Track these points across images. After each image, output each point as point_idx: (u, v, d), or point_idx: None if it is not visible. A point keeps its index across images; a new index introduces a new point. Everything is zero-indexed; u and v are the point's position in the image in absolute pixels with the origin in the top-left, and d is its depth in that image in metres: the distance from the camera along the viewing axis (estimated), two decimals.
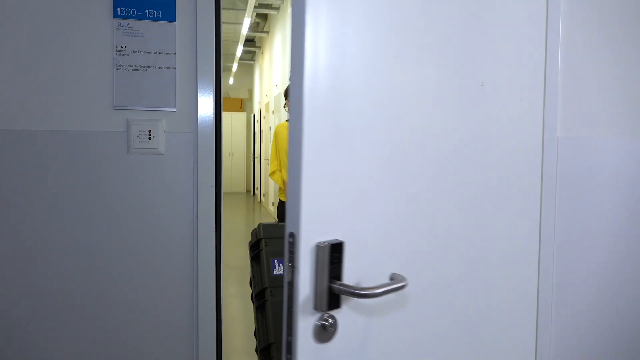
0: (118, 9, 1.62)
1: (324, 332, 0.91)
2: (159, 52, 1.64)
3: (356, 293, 0.88)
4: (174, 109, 1.66)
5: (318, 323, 0.89)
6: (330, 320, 0.90)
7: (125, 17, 1.62)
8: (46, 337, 1.62)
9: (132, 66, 1.63)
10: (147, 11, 1.63)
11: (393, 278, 0.97)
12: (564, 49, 1.42)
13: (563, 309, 1.47)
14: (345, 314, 0.93)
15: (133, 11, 1.63)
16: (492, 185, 1.25)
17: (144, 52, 1.64)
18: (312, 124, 0.87)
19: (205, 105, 1.67)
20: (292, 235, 0.88)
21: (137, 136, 1.63)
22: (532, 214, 1.36)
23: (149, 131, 1.64)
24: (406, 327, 1.08)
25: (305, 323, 0.88)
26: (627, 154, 1.49)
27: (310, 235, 0.88)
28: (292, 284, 0.88)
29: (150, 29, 1.64)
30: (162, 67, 1.65)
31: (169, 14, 1.65)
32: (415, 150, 1.07)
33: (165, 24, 1.64)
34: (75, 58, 1.61)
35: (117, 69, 1.62)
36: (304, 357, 0.88)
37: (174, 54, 1.65)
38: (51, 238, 1.61)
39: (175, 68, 1.66)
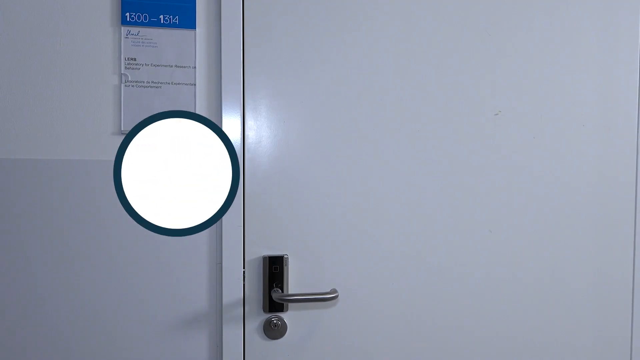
0: (127, 14, 1.34)
1: (272, 330, 1.10)
2: (176, 66, 1.37)
3: (283, 298, 1.05)
4: None
5: (265, 321, 1.09)
6: (276, 321, 1.10)
7: (135, 23, 1.35)
8: None
9: (143, 82, 1.35)
10: (161, 17, 1.36)
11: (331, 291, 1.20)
12: None
13: None
14: (292, 316, 1.15)
15: (145, 17, 1.35)
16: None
17: (158, 66, 1.36)
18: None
19: (232, 129, 1.40)
20: (244, 249, 1.15)
21: None
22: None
23: None
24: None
25: (253, 321, 1.11)
26: None
27: (254, 249, 1.17)
28: (244, 289, 1.13)
29: (165, 38, 1.36)
30: (179, 84, 1.37)
31: (188, 20, 1.38)
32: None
33: (183, 32, 1.37)
34: (74, 72, 1.33)
35: (125, 85, 1.35)
36: (251, 348, 1.11)
37: (194, 67, 1.38)
38: (46, 287, 1.31)
39: (194, 84, 1.38)
